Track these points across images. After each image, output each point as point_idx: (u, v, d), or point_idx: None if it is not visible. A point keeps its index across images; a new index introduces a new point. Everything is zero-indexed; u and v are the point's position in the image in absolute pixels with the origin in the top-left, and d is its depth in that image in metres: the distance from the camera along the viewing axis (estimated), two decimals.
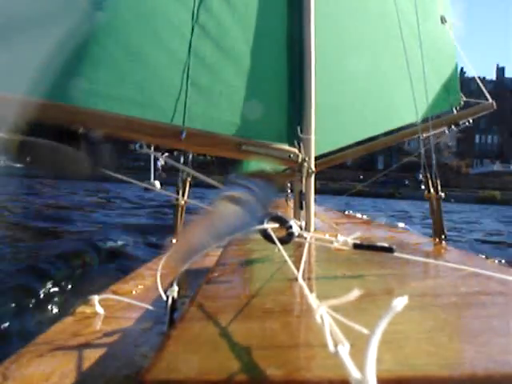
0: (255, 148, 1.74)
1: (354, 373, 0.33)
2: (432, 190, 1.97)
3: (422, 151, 2.10)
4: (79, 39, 1.37)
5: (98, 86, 1.42)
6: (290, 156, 1.82)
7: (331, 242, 0.93)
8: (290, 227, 0.90)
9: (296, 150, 1.83)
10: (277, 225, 0.91)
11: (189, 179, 2.87)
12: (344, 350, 0.37)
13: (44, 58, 1.25)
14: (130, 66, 1.50)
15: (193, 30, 1.56)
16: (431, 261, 0.96)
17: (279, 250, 0.82)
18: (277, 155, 1.81)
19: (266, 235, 0.88)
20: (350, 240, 0.91)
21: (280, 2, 1.93)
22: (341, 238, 0.92)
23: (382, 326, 0.35)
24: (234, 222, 0.90)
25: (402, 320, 0.36)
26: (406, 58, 2.11)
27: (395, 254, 0.89)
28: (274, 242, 0.85)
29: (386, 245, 0.92)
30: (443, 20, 2.70)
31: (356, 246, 0.91)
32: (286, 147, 1.86)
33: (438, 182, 1.99)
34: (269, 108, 1.85)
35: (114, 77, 1.47)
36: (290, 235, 0.90)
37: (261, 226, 0.88)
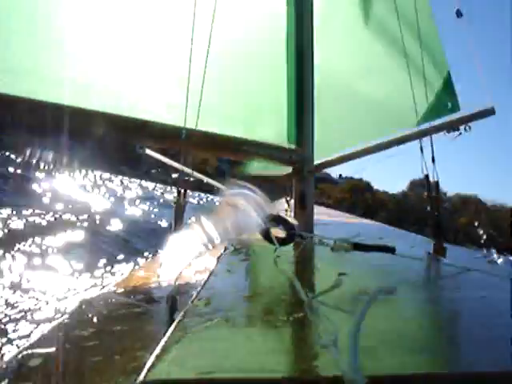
0: (256, 148, 1.74)
1: (342, 364, 0.34)
2: (432, 191, 1.98)
3: (422, 155, 2.10)
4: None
5: (96, 85, 1.42)
6: (290, 157, 1.82)
7: (331, 242, 0.93)
8: (291, 228, 0.90)
9: (296, 151, 1.83)
10: (277, 225, 0.91)
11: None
12: (332, 341, 0.38)
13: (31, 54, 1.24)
14: (129, 68, 1.50)
15: (193, 31, 1.56)
16: (430, 260, 0.97)
17: (279, 250, 0.82)
18: (277, 156, 1.81)
19: (266, 236, 0.88)
20: (350, 240, 0.91)
21: (280, 3, 1.93)
22: (341, 238, 0.93)
23: (362, 317, 0.35)
24: (235, 223, 0.90)
25: (399, 319, 0.36)
26: (408, 64, 2.12)
27: (395, 253, 0.89)
28: (273, 243, 0.86)
29: (386, 245, 0.92)
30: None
31: (356, 246, 0.91)
32: (287, 148, 1.86)
33: (438, 182, 1.99)
34: (269, 109, 1.86)
35: (113, 76, 1.47)
36: (291, 236, 0.89)
37: (261, 227, 0.88)
